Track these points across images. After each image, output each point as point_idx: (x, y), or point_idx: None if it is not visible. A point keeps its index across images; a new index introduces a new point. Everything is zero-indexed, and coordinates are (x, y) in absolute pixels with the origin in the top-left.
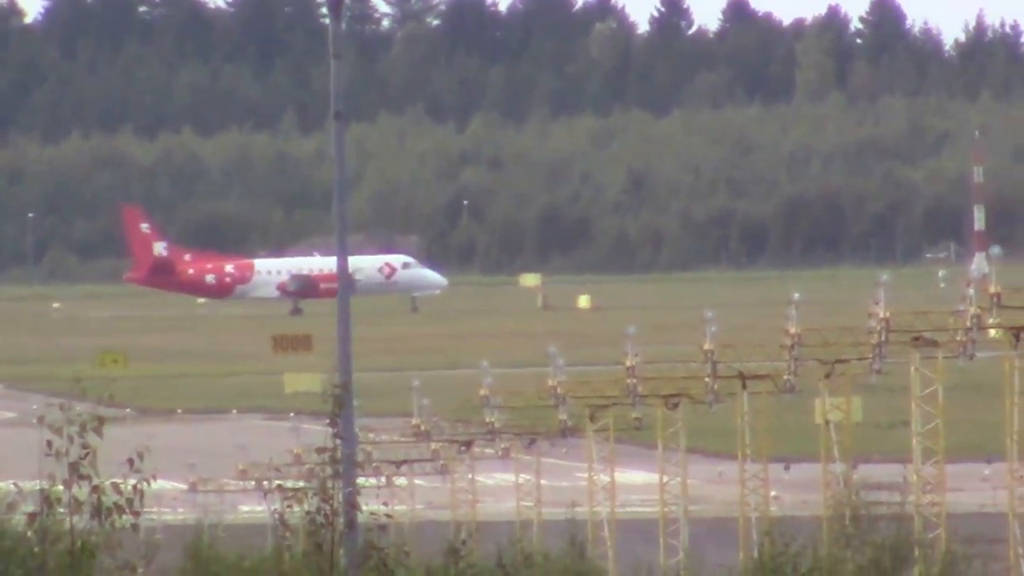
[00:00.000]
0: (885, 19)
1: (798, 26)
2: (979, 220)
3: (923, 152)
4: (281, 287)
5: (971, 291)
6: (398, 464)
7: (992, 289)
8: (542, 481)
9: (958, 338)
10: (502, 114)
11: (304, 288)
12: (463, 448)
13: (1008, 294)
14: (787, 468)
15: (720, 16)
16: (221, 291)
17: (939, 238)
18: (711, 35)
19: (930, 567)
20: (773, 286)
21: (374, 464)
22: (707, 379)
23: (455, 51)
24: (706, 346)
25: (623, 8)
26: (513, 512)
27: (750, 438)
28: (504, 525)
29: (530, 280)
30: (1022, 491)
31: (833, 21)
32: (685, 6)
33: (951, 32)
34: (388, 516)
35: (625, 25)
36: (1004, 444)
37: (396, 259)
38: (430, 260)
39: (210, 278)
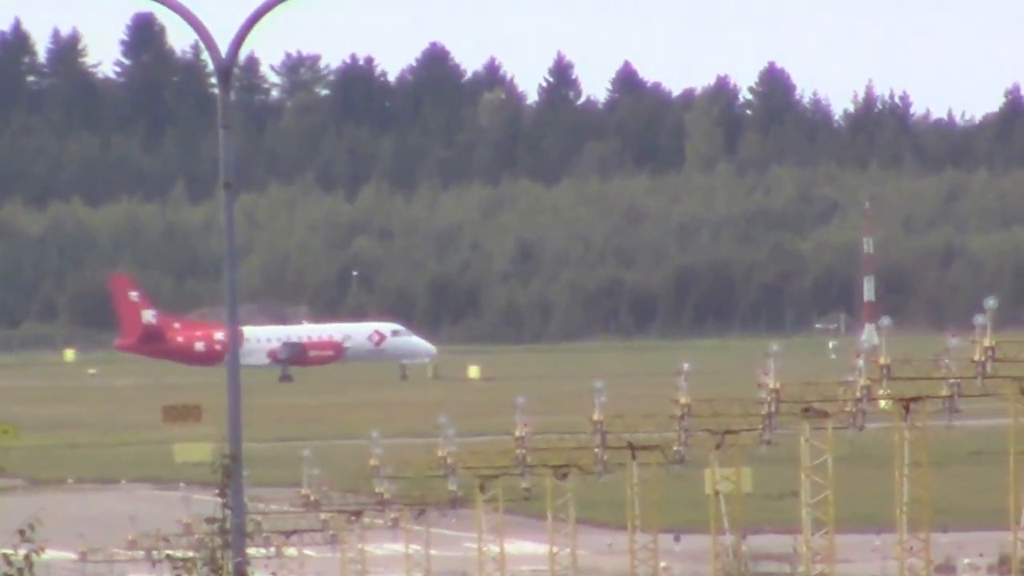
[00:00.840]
0: (774, 89)
1: (687, 96)
2: (869, 291)
3: (813, 222)
4: (272, 354)
5: (861, 362)
6: (288, 534)
7: (882, 360)
8: (432, 551)
9: (848, 409)
10: (392, 184)
11: (294, 355)
12: (353, 518)
13: (897, 365)
14: (677, 539)
15: (609, 86)
16: (211, 358)
17: (829, 309)
18: (600, 105)
19: None
20: (663, 356)
21: (264, 534)
22: (597, 449)
23: (344, 121)
24: (595, 416)
25: (512, 78)
26: None
27: (640, 509)
28: None
29: None
30: (912, 562)
31: (722, 91)
32: (574, 76)
33: (840, 102)
34: None
35: (514, 95)
36: (894, 515)
37: (386, 327)
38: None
39: (200, 345)
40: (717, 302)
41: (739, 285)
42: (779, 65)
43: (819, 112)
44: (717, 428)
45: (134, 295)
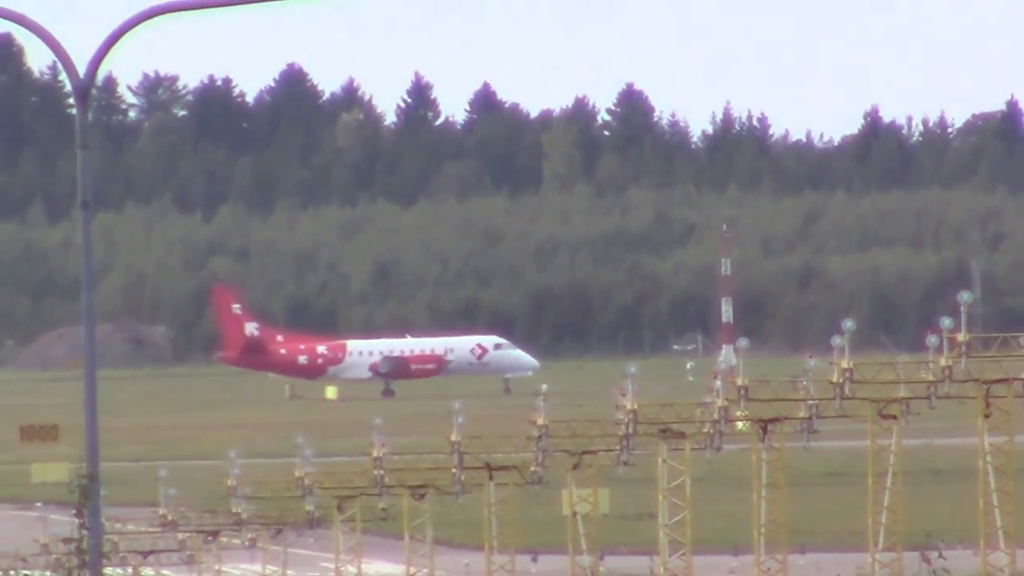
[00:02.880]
0: (633, 111)
1: (545, 117)
2: (726, 312)
3: (670, 244)
4: (373, 368)
5: (718, 383)
6: (145, 554)
7: (739, 381)
8: (289, 572)
9: (705, 430)
10: (249, 204)
11: (396, 369)
12: (210, 538)
13: (755, 387)
14: (534, 560)
15: (467, 107)
16: (313, 372)
17: (686, 330)
18: (458, 126)
19: None
20: (520, 377)
21: (120, 554)
22: (454, 470)
23: (202, 141)
24: (453, 437)
25: (370, 99)
26: None
27: (497, 529)
28: None
29: None
30: None
31: (580, 112)
32: (432, 97)
33: (698, 124)
34: None
35: (372, 116)
36: (751, 536)
37: (488, 340)
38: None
39: (302, 359)
40: (575, 323)
41: (597, 306)
42: (637, 87)
43: (677, 134)
44: (575, 449)
45: (236, 307)
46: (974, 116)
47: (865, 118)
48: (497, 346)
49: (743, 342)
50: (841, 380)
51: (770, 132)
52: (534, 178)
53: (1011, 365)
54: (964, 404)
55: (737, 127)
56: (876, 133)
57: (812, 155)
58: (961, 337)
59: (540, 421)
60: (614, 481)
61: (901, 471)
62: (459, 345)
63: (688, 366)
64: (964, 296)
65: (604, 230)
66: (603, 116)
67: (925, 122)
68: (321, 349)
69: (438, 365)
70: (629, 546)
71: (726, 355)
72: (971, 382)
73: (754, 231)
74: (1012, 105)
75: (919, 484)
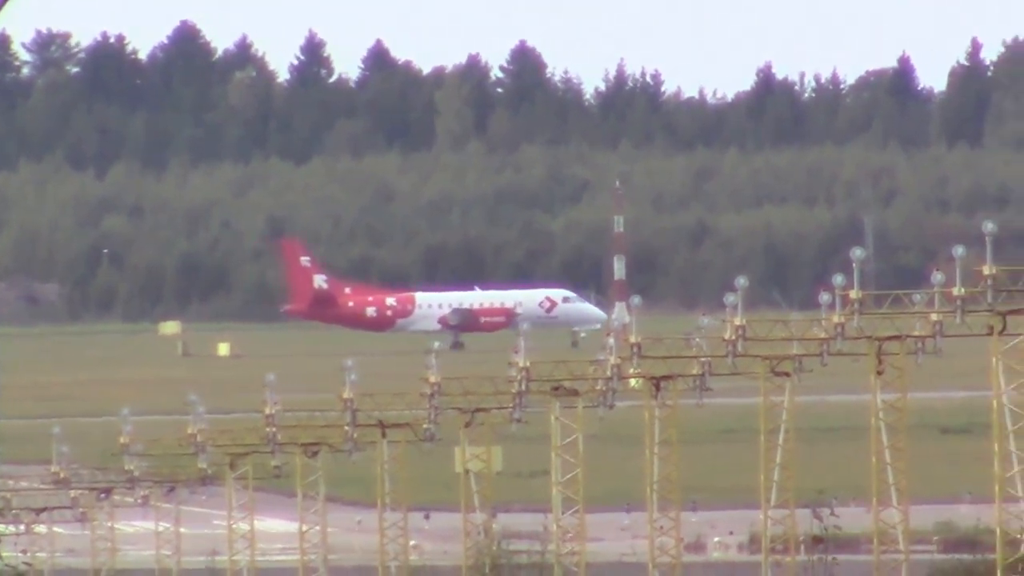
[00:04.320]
0: (525, 68)
1: (438, 74)
2: (619, 269)
3: (563, 201)
4: (442, 321)
5: (611, 341)
6: (37, 511)
7: (632, 339)
8: (182, 529)
9: (598, 387)
10: (142, 162)
11: (465, 322)
12: (103, 495)
13: (648, 344)
14: (427, 517)
15: (360, 64)
16: (382, 324)
17: (579, 287)
18: (351, 83)
19: None
20: (410, 335)
21: (13, 512)
22: (346, 427)
23: (95, 99)
24: (345, 394)
25: (263, 56)
26: (153, 560)
27: (390, 487)
28: (144, 573)
29: (169, 328)
30: (662, 540)
31: (473, 69)
32: (325, 54)
33: (592, 81)
34: (27, 564)
35: (265, 73)
36: (644, 493)
37: (556, 293)
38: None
39: (371, 311)
40: (467, 280)
41: (490, 263)
42: (530, 44)
43: (570, 91)
44: (467, 406)
45: (305, 260)
46: (867, 73)
47: (758, 75)
48: (566, 299)
49: (636, 300)
50: (734, 337)
51: (663, 89)
52: (427, 135)
53: (903, 322)
54: (857, 361)
55: (630, 84)
56: (769, 90)
57: (705, 112)
58: (854, 294)
59: (432, 378)
60: (507, 438)
61: (793, 428)
62: (528, 298)
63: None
64: (856, 253)
65: (497, 187)
66: (496, 73)
67: (818, 79)
68: (390, 301)
69: (507, 318)
70: (522, 503)
71: (618, 312)
72: (864, 339)
73: (647, 188)
74: (904, 62)
75: (812, 441)
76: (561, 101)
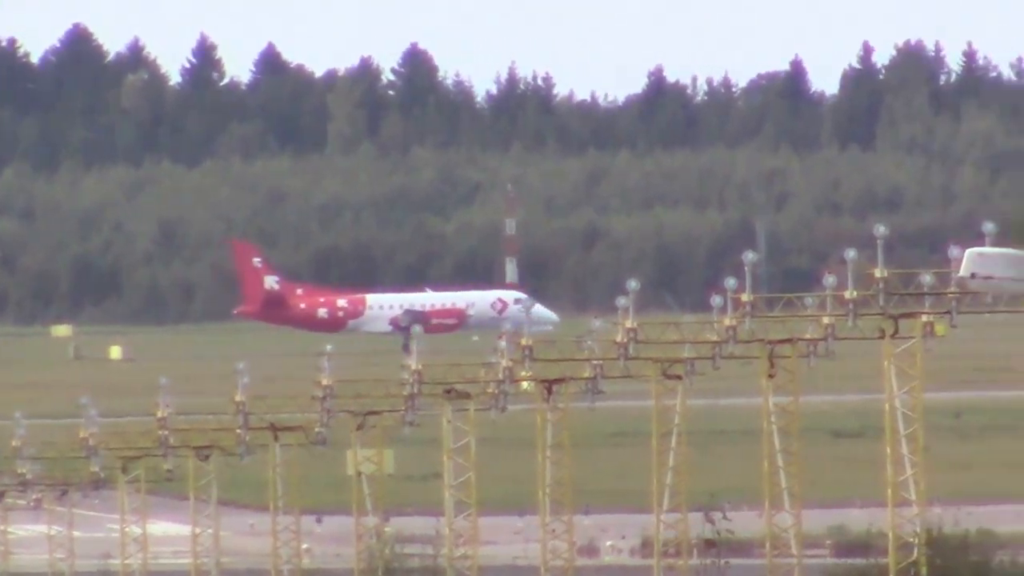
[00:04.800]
0: (417, 71)
1: (330, 77)
2: (511, 272)
3: (455, 203)
4: (393, 322)
5: (503, 344)
6: None
7: (524, 341)
8: (75, 532)
9: (490, 390)
10: (34, 164)
11: (416, 323)
12: None
13: (540, 347)
14: (319, 521)
15: (252, 67)
16: (334, 325)
17: (470, 289)
18: (243, 86)
19: None
20: (303, 337)
21: None
22: (239, 430)
23: None
24: (237, 397)
25: (155, 59)
26: (46, 564)
27: (282, 490)
28: None
29: (61, 330)
30: (554, 544)
31: (365, 72)
32: (217, 57)
33: (483, 84)
34: None
35: (157, 76)
36: (537, 496)
37: (509, 295)
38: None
39: (323, 312)
40: (359, 282)
41: (381, 266)
42: (422, 46)
43: (462, 94)
44: (359, 409)
45: (257, 261)
46: (758, 76)
47: (649, 78)
48: (517, 301)
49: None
50: (626, 340)
51: (555, 92)
52: (319, 138)
53: (795, 325)
54: (749, 364)
55: (522, 87)
56: (661, 93)
57: (597, 115)
58: (745, 297)
59: (324, 381)
60: (399, 441)
61: (686, 431)
62: (480, 299)
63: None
64: (748, 256)
65: (388, 190)
66: (387, 76)
67: (709, 82)
68: (341, 303)
69: (459, 319)
70: (415, 506)
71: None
72: (755, 342)
73: (539, 191)
74: (796, 65)
75: (704, 445)
76: (453, 104)
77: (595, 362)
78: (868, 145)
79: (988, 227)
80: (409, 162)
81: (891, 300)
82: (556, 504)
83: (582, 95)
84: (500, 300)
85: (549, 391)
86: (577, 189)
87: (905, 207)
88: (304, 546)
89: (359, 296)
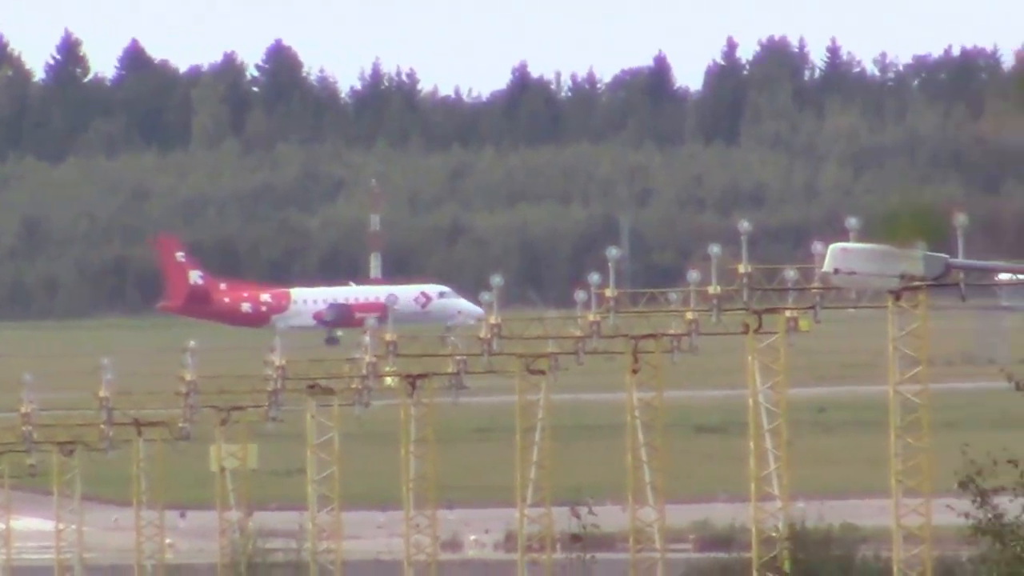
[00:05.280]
0: (281, 66)
1: (194, 73)
2: (375, 267)
3: (319, 199)
4: (318, 316)
5: (367, 339)
6: None
7: (387, 337)
8: None
9: (354, 386)
10: None
11: (341, 317)
12: None
13: (403, 342)
14: (183, 516)
15: (116, 63)
16: (257, 320)
17: (335, 285)
18: (107, 82)
19: None
20: (169, 334)
21: None
22: (103, 426)
23: None
24: (101, 393)
25: (19, 55)
26: None
27: (146, 485)
28: None
29: None
30: (418, 538)
31: (229, 68)
32: (81, 53)
33: (347, 80)
34: None
35: (21, 72)
36: (400, 491)
37: (432, 289)
38: None
39: (246, 307)
40: (225, 278)
41: (246, 261)
42: (286, 42)
43: (326, 90)
44: (223, 405)
45: (180, 256)
46: (622, 72)
47: (513, 74)
48: (441, 294)
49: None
50: (489, 336)
51: (419, 88)
52: (183, 134)
53: (659, 320)
54: (612, 359)
55: (386, 83)
56: (525, 88)
57: (461, 111)
58: (609, 292)
59: (188, 376)
60: (263, 437)
61: (550, 426)
62: (403, 293)
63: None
64: (612, 252)
65: (253, 186)
66: (252, 72)
67: (573, 78)
68: (265, 297)
69: (382, 313)
70: (278, 501)
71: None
72: (619, 337)
73: (403, 187)
74: (660, 60)
75: (568, 440)
76: (317, 100)
77: (459, 357)
78: (732, 141)
79: (851, 222)
80: (273, 158)
81: (754, 295)
82: (420, 499)
83: (446, 91)
84: (423, 294)
85: (413, 386)
86: (441, 185)
87: (769, 203)
88: (168, 541)
89: (283, 291)
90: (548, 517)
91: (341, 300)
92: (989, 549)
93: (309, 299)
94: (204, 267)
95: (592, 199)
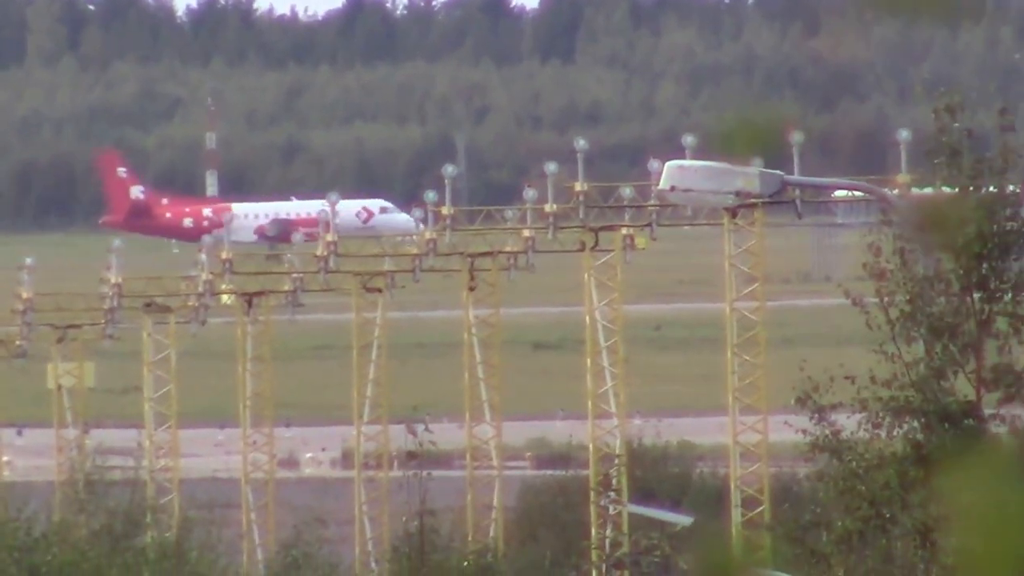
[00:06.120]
0: None
1: None
2: (211, 186)
3: (155, 118)
4: (260, 231)
5: (203, 257)
6: None
7: (224, 255)
8: None
9: (190, 303)
10: None
11: (283, 232)
12: None
13: (239, 260)
14: (20, 433)
15: None
16: (199, 234)
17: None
18: None
19: (163, 531)
20: (5, 251)
21: None
22: None
23: None
24: None
25: None
26: None
27: None
28: None
29: None
30: (255, 456)
31: None
32: None
33: None
34: None
35: None
36: (237, 409)
37: (373, 203)
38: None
39: (188, 222)
40: (59, 197)
41: (81, 181)
42: None
43: (162, 9)
44: (60, 323)
45: (122, 171)
46: None
47: None
48: (383, 209)
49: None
50: (325, 254)
51: (255, 7)
52: (18, 52)
53: (495, 238)
54: (449, 277)
55: (222, 1)
56: (360, 7)
57: (297, 29)
58: (445, 210)
59: (24, 294)
60: (100, 354)
61: (387, 344)
62: (345, 208)
63: (174, 240)
64: (448, 169)
65: (89, 104)
66: None
67: None
68: (207, 212)
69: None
70: (115, 419)
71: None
72: (456, 255)
73: (239, 105)
74: None
75: (405, 357)
76: (153, 19)
77: (295, 275)
78: (569, 59)
79: (688, 140)
80: (109, 76)
81: (591, 213)
82: (256, 417)
83: (282, 10)
84: (365, 209)
85: (249, 304)
86: (278, 103)
87: (605, 121)
88: (4, 458)
89: (224, 206)
90: (385, 435)
91: (283, 215)
92: (826, 465)
93: (251, 214)
94: (39, 183)
95: (429, 117)
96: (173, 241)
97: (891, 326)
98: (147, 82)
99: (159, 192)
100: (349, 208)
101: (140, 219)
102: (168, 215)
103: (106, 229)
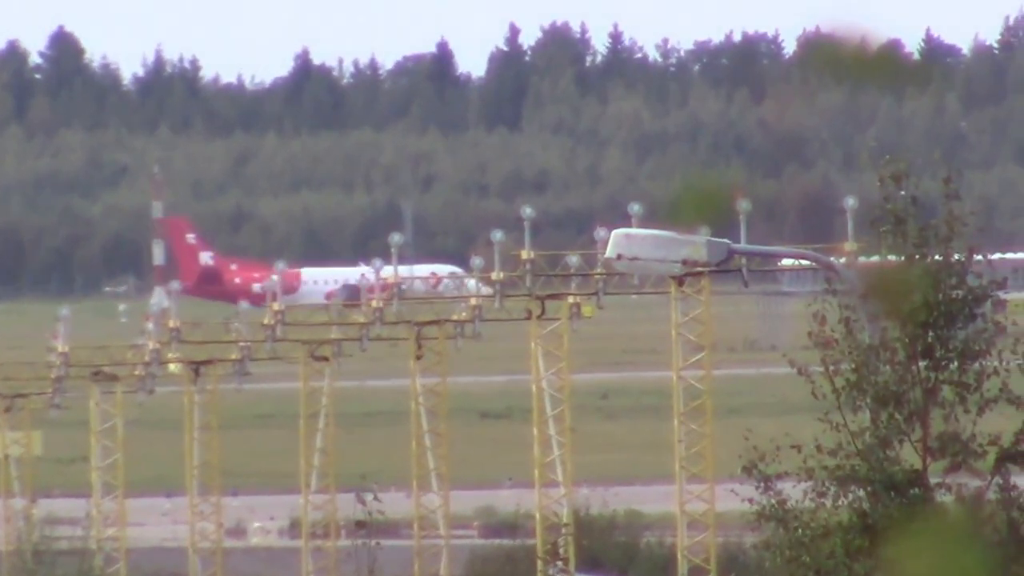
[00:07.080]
0: (64, 53)
1: None
2: (158, 255)
3: (102, 186)
4: (329, 296)
5: (151, 325)
6: None
7: (171, 324)
8: None
9: (138, 372)
10: None
11: (353, 298)
12: None
13: (187, 329)
14: None
15: None
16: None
17: (118, 272)
18: None
19: None
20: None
21: None
22: None
23: None
24: None
25: None
26: None
27: None
28: None
29: None
30: (203, 525)
31: (12, 55)
32: None
33: (130, 67)
34: None
35: None
36: (185, 478)
37: (442, 269)
38: None
39: (257, 287)
40: (6, 266)
41: (29, 249)
42: (68, 29)
43: (109, 77)
44: (7, 392)
45: (191, 237)
46: (404, 58)
47: (296, 60)
48: (451, 275)
49: (175, 284)
50: (273, 322)
51: (201, 75)
52: None
53: (442, 307)
54: (396, 346)
55: (169, 70)
56: (307, 75)
57: (244, 97)
58: (392, 279)
59: None
60: (47, 423)
61: (334, 413)
62: (414, 274)
63: (121, 308)
64: (395, 237)
65: (36, 173)
66: (34, 59)
67: (356, 64)
68: (275, 277)
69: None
70: (63, 488)
71: (158, 297)
72: (403, 324)
73: (186, 173)
74: (442, 46)
75: (352, 426)
76: (100, 86)
77: (243, 344)
78: (515, 127)
79: (634, 208)
80: (56, 144)
81: (538, 281)
82: (204, 486)
83: (229, 78)
84: (434, 274)
85: (197, 373)
86: (224, 171)
87: (552, 189)
88: None
89: (294, 271)
90: (333, 504)
91: (352, 280)
92: (772, 534)
93: (320, 279)
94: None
95: (376, 185)
96: (121, 308)
97: (837, 395)
98: (94, 150)
99: (226, 258)
100: (420, 273)
101: (210, 284)
102: (237, 280)
103: (182, 296)
